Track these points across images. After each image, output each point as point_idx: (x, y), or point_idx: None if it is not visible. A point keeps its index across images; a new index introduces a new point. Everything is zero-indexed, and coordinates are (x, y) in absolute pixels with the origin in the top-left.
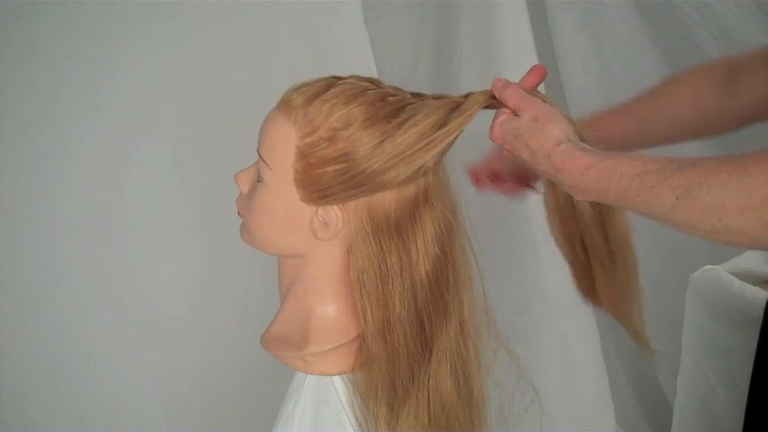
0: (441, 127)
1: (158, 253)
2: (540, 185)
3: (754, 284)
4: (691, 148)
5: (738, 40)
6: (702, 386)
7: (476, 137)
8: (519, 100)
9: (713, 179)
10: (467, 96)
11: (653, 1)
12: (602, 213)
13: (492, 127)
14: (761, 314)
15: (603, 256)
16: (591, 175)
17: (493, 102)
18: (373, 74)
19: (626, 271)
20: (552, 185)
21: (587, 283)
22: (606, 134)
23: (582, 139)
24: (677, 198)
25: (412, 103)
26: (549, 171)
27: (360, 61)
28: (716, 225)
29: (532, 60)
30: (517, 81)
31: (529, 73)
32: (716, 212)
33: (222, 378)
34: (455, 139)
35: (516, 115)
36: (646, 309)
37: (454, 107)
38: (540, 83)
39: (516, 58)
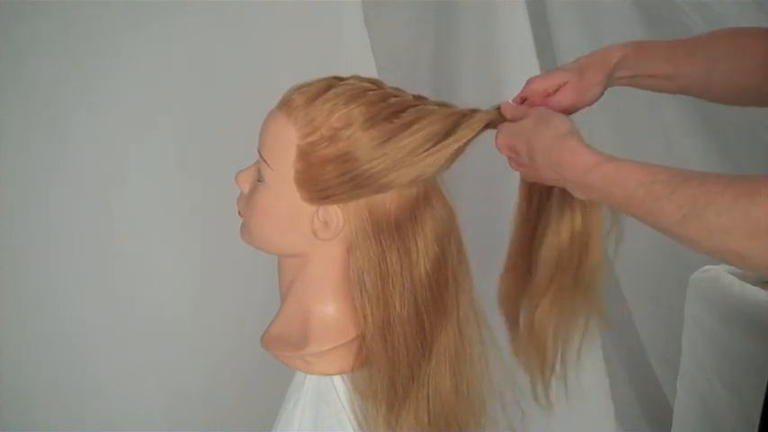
0: (446, 136)
1: (159, 253)
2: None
3: (754, 285)
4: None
5: None
6: (702, 386)
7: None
8: (524, 109)
9: (719, 201)
10: (471, 110)
11: (653, 1)
12: (583, 237)
13: (497, 136)
14: (761, 314)
15: (567, 281)
16: (595, 176)
17: (499, 120)
18: (373, 74)
19: (585, 301)
20: (530, 195)
21: (515, 291)
22: (654, 69)
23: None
24: (683, 216)
25: (414, 105)
26: (549, 169)
27: (360, 61)
28: (720, 247)
29: (532, 60)
30: (515, 79)
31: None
32: (721, 235)
33: (222, 378)
34: (459, 151)
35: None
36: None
37: (460, 118)
38: None
39: (516, 57)
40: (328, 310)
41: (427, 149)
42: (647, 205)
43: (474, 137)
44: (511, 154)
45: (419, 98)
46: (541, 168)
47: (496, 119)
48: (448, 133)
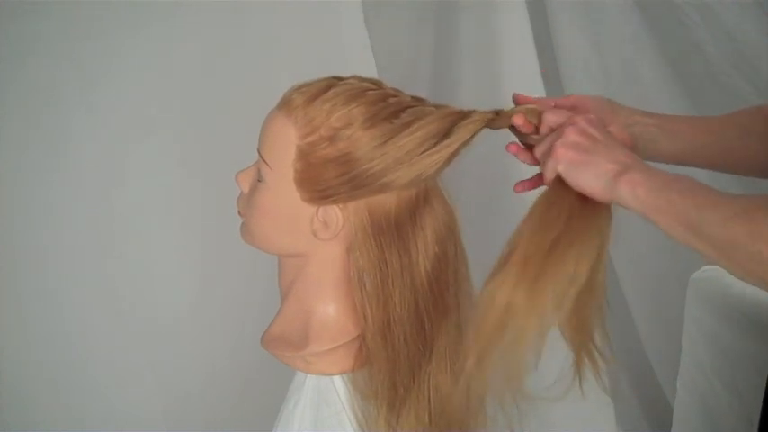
0: (445, 136)
1: (159, 253)
2: None
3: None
4: None
5: (738, 40)
6: (702, 386)
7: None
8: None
9: None
10: (471, 111)
11: (653, 1)
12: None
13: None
14: (761, 314)
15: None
16: (675, 176)
17: (495, 120)
18: (373, 74)
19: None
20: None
21: None
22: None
23: None
24: (735, 214)
25: (413, 106)
26: (612, 151)
27: (360, 61)
28: (754, 254)
29: (532, 60)
30: (515, 79)
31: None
32: (762, 240)
33: (222, 378)
34: (457, 151)
35: None
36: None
37: (458, 119)
38: None
39: (516, 58)
40: (328, 310)
41: (426, 150)
42: (702, 198)
43: (472, 137)
44: (577, 137)
45: (417, 99)
46: (603, 151)
47: (494, 119)
48: (446, 134)
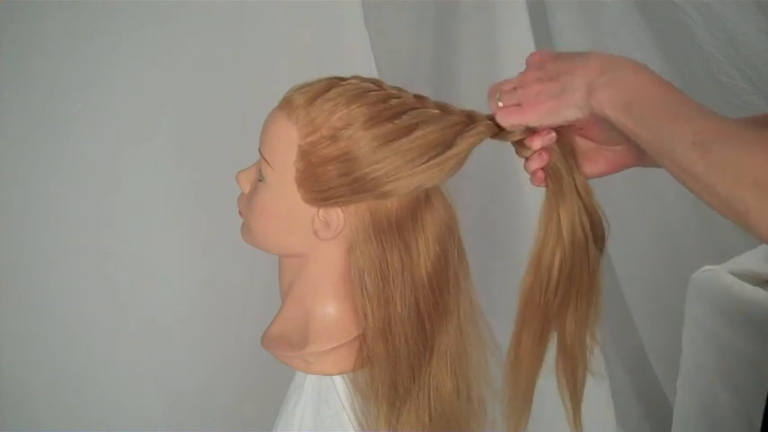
0: (447, 147)
1: (159, 253)
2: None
3: (754, 284)
4: None
5: (738, 40)
6: (702, 386)
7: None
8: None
9: (733, 139)
10: (471, 117)
11: (653, 1)
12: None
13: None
14: (761, 314)
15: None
16: (644, 77)
17: (500, 133)
18: (373, 74)
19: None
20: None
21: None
22: None
23: None
24: (693, 143)
25: (415, 108)
26: (585, 82)
27: (360, 61)
28: (708, 186)
29: None
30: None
31: None
32: (716, 173)
33: (222, 378)
34: (459, 163)
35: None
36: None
37: (461, 129)
38: None
39: (516, 58)
40: (329, 310)
41: (426, 161)
42: (676, 117)
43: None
44: (539, 86)
45: (420, 98)
46: (574, 87)
47: (499, 133)
48: (448, 145)
